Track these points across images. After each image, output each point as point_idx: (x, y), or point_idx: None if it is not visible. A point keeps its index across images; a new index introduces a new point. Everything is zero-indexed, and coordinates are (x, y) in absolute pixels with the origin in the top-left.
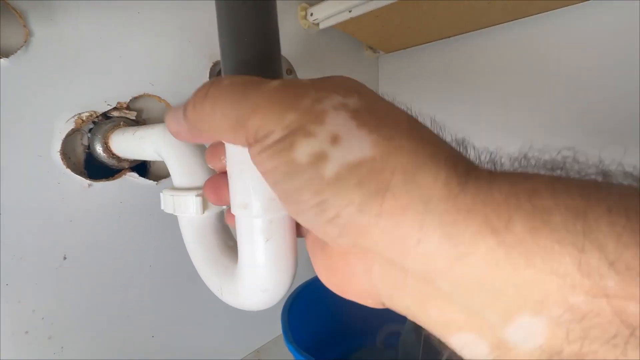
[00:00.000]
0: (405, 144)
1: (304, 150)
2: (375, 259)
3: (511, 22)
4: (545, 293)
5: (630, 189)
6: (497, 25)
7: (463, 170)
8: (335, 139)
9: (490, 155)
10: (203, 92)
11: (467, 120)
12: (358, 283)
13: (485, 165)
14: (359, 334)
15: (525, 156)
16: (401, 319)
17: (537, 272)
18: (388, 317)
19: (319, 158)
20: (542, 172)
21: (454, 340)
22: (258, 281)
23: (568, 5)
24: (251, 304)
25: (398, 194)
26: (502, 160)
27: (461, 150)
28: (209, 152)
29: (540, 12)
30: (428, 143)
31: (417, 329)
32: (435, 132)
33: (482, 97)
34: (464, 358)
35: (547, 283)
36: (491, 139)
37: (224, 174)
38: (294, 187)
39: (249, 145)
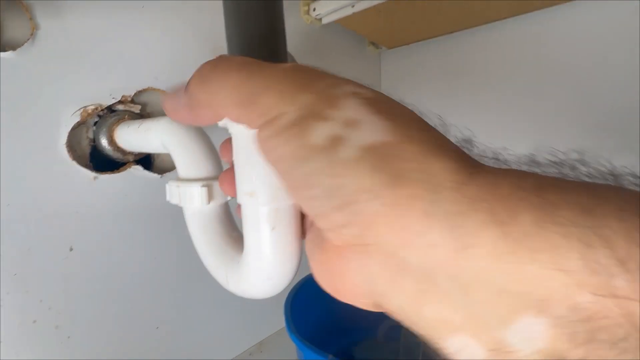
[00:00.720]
0: (416, 134)
1: (320, 133)
2: (373, 254)
3: (516, 16)
4: (549, 291)
5: None
6: (502, 20)
7: (470, 162)
8: (351, 123)
9: (494, 154)
10: (212, 64)
11: (470, 116)
12: (352, 281)
13: (489, 163)
14: (360, 327)
15: (531, 157)
16: None
17: (542, 267)
18: None
19: (336, 141)
20: (550, 171)
21: (449, 344)
22: (263, 269)
23: (574, 0)
24: (256, 292)
25: (410, 181)
26: (507, 158)
27: (467, 147)
28: (223, 146)
29: (545, 7)
30: (436, 136)
31: None
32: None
33: (486, 92)
34: None
35: (552, 280)
36: (494, 135)
37: None
38: (309, 171)
39: (258, 127)
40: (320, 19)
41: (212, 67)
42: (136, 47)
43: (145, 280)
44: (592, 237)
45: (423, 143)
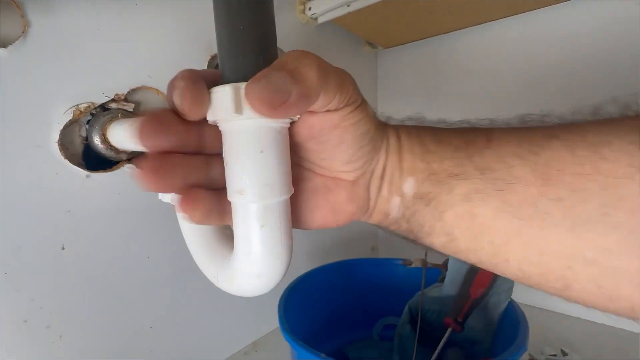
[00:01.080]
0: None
1: (369, 108)
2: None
3: (511, 17)
4: (417, 169)
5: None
6: (497, 21)
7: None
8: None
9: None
10: (315, 57)
11: (465, 114)
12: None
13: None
14: (355, 326)
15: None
16: (397, 313)
17: (415, 160)
18: (384, 310)
19: (373, 112)
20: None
21: (404, 186)
22: (253, 267)
23: (570, 0)
24: (246, 290)
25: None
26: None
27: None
28: (147, 127)
29: (541, 7)
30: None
31: (413, 322)
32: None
33: (481, 92)
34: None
35: (418, 164)
36: None
37: (169, 153)
38: (367, 125)
39: (343, 107)
40: (315, 18)
41: (320, 60)
42: (129, 46)
43: (139, 279)
44: (423, 154)
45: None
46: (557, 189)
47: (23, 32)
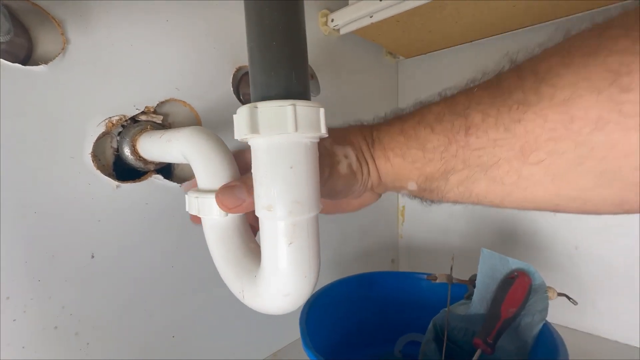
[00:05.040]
0: (355, 142)
1: (342, 167)
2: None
3: (536, 25)
4: (412, 175)
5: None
6: (521, 29)
7: (370, 135)
8: (345, 155)
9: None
10: None
11: None
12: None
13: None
14: (376, 341)
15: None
16: (420, 329)
17: (406, 167)
18: (406, 326)
19: (349, 166)
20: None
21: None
22: (280, 285)
23: (597, 8)
24: (272, 308)
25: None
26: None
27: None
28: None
29: (567, 15)
30: (357, 135)
31: (438, 340)
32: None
33: None
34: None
35: (413, 171)
36: None
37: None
38: (354, 186)
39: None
40: (338, 30)
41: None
42: (159, 60)
43: (163, 289)
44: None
45: (360, 146)
46: (536, 154)
47: (63, 49)
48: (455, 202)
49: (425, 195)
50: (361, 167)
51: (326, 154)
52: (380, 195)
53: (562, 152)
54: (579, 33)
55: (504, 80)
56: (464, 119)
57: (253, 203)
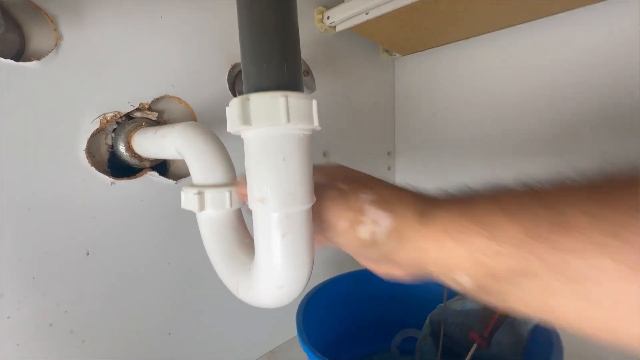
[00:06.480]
0: (400, 211)
1: (364, 231)
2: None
3: (531, 22)
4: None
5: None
6: (516, 26)
7: (422, 209)
8: (375, 221)
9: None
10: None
11: (483, 121)
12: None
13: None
14: (373, 337)
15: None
16: (416, 325)
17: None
18: (403, 322)
19: (372, 234)
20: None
21: (457, 277)
22: (274, 277)
23: (592, 3)
24: (266, 301)
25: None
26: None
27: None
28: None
29: (562, 11)
30: (409, 204)
31: (434, 335)
32: (412, 189)
33: (500, 98)
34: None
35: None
36: (507, 139)
37: None
38: (365, 252)
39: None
40: (334, 27)
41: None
42: (154, 57)
43: (159, 286)
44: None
45: (405, 219)
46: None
47: (56, 45)
48: (523, 314)
49: (483, 296)
50: (391, 241)
51: (354, 208)
52: (415, 277)
53: None
54: None
55: (611, 182)
56: (557, 213)
57: None
